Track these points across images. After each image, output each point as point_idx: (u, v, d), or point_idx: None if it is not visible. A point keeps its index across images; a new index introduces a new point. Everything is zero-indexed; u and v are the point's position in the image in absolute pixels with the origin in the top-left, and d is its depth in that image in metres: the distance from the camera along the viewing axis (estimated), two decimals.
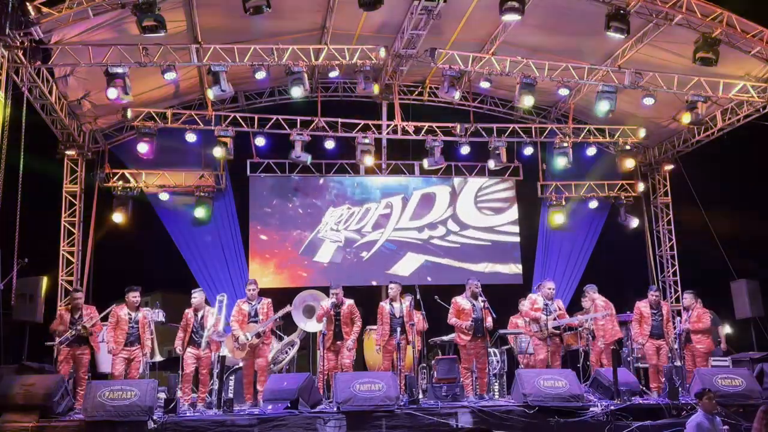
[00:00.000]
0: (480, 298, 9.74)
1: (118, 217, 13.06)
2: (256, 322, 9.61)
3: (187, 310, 9.68)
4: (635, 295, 10.63)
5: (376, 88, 11.78)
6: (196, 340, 9.47)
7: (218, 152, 12.67)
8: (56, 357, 9.19)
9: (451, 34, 11.91)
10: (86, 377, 9.25)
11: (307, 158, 12.92)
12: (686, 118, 12.13)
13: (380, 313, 9.88)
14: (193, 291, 9.89)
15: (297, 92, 11.21)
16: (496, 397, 10.29)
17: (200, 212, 13.34)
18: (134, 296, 9.44)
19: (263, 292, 10.03)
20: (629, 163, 14.02)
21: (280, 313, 9.89)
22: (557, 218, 14.52)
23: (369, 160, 13.25)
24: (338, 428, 7.99)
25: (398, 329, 9.50)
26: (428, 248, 14.21)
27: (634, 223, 14.63)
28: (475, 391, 9.66)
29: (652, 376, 10.00)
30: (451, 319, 9.76)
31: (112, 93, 10.38)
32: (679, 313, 13.58)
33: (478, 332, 9.60)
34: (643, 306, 10.14)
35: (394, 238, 14.15)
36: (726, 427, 7.76)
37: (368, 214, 14.21)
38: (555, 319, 9.79)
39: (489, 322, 9.70)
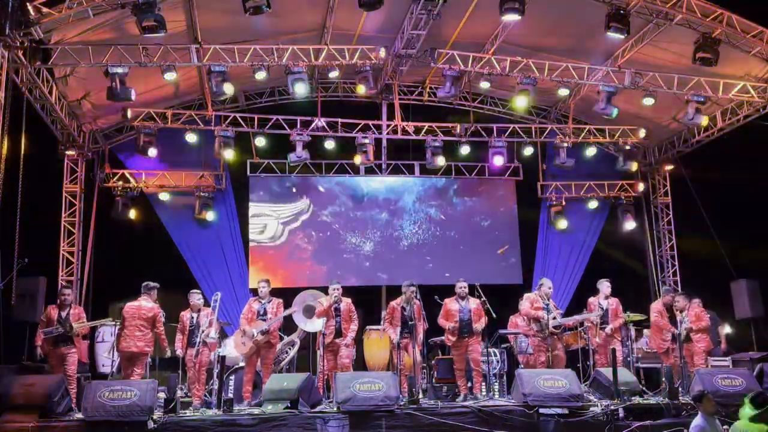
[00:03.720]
0: (472, 299, 9.76)
1: (118, 217, 13.07)
2: (264, 320, 9.64)
3: (183, 313, 9.69)
4: (635, 295, 10.63)
5: (361, 89, 11.76)
6: (194, 341, 9.49)
7: (229, 154, 12.71)
8: (41, 355, 9.12)
9: (451, 34, 11.91)
10: (75, 376, 9.22)
11: (302, 156, 12.87)
12: (703, 121, 12.18)
13: (390, 313, 9.84)
14: (191, 292, 9.88)
15: (301, 89, 11.26)
16: (496, 397, 10.29)
17: (209, 215, 13.48)
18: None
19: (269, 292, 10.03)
20: (633, 166, 14.09)
21: (285, 313, 9.92)
22: (560, 223, 14.56)
23: (368, 158, 13.25)
24: (341, 428, 7.99)
25: (407, 332, 9.54)
26: (428, 247, 14.24)
27: (630, 225, 14.63)
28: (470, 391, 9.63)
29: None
30: (440, 320, 9.80)
31: (112, 93, 10.37)
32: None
33: (464, 332, 9.59)
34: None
35: (395, 238, 14.19)
36: (726, 427, 7.77)
37: (368, 214, 14.24)
38: (555, 319, 9.80)
39: (480, 323, 9.67)
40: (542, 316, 9.79)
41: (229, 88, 11.03)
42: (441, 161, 13.46)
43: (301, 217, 14.06)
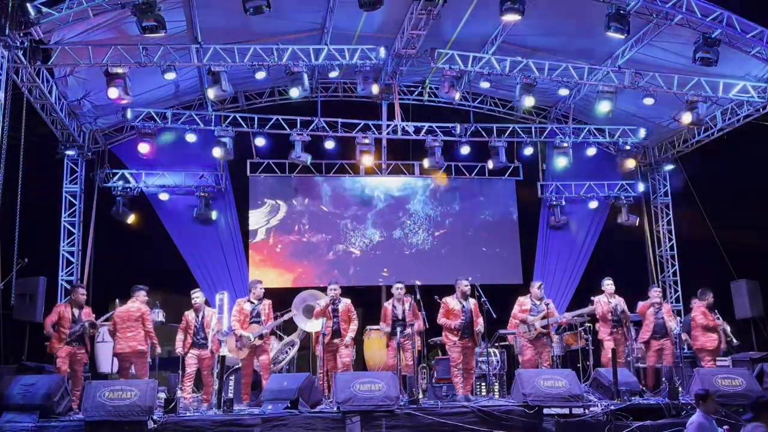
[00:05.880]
0: (479, 298, 9.73)
1: (118, 217, 13.07)
2: (257, 322, 9.63)
3: (186, 312, 9.71)
4: (635, 295, 10.62)
5: (375, 88, 11.75)
6: (198, 341, 9.51)
7: (217, 152, 12.70)
8: (55, 354, 9.12)
9: (451, 34, 11.90)
10: (83, 377, 9.23)
11: (307, 158, 12.95)
12: (687, 118, 12.09)
13: (384, 314, 9.89)
14: (193, 292, 9.88)
15: (295, 93, 11.25)
16: (496, 397, 10.28)
17: (209, 215, 13.49)
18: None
19: (264, 293, 10.03)
20: (630, 164, 14.02)
21: (285, 317, 9.90)
22: (560, 223, 14.59)
23: (368, 160, 13.26)
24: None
25: (399, 330, 9.50)
26: (427, 247, 14.24)
27: (635, 222, 14.64)
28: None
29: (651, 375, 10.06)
30: (440, 319, 9.75)
31: (113, 93, 10.35)
32: (679, 313, 13.68)
33: (466, 333, 9.57)
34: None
35: (395, 237, 14.19)
36: (726, 427, 7.77)
37: (368, 214, 14.24)
38: (543, 318, 9.79)
39: (480, 324, 9.66)
40: (527, 318, 9.83)
41: (212, 93, 10.97)
42: (427, 163, 13.43)
43: (301, 217, 14.06)
